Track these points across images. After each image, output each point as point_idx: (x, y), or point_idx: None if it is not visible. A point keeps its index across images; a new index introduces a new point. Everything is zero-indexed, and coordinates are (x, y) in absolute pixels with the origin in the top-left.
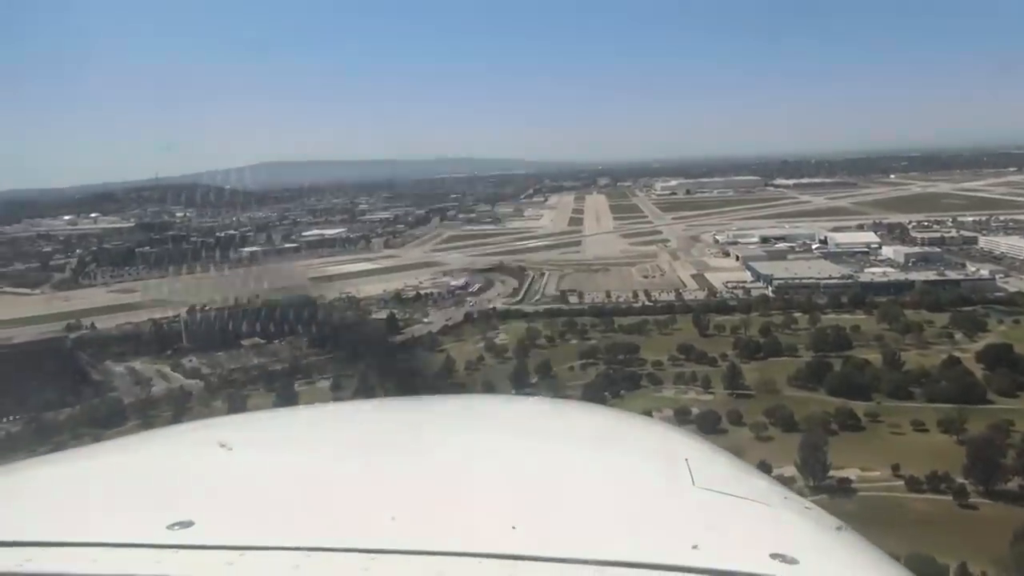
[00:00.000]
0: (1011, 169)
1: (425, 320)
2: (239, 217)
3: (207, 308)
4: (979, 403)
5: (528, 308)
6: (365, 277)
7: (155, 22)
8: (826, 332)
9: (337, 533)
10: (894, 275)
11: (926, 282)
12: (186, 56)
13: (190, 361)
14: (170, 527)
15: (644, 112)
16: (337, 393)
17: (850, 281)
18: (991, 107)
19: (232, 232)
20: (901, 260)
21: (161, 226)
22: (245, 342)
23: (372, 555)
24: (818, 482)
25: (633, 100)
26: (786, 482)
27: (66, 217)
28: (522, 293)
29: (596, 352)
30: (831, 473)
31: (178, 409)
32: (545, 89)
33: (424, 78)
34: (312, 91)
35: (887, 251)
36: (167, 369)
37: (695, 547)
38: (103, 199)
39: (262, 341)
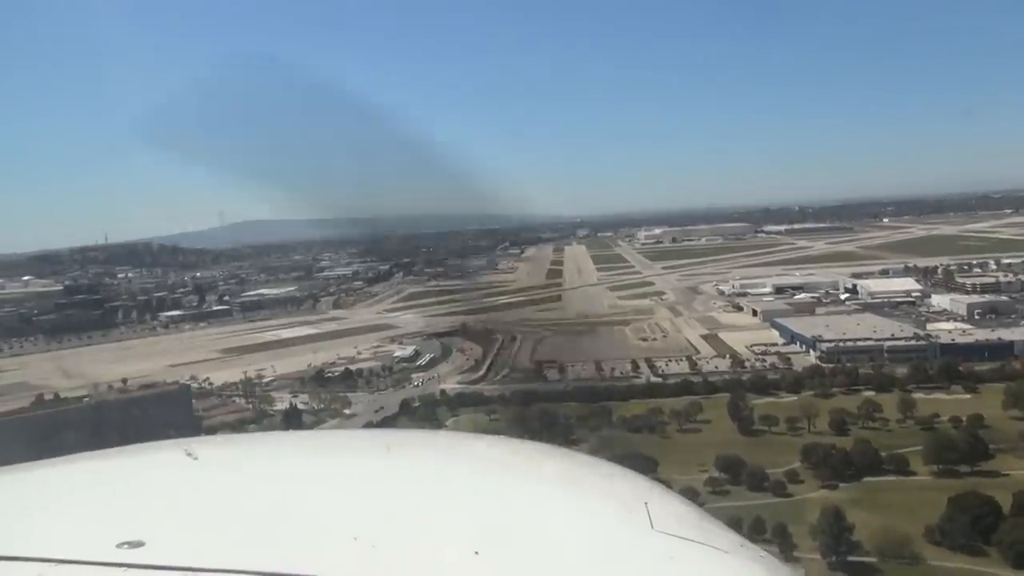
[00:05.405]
0: (1008, 211)
1: (345, 411)
2: (184, 277)
3: (58, 400)
4: None
5: (491, 389)
6: (292, 346)
7: (130, 67)
8: (940, 430)
9: (296, 558)
10: (980, 334)
11: None
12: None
13: None
14: (119, 546)
15: (623, 164)
16: None
17: (923, 343)
18: (963, 154)
19: (161, 294)
20: (963, 311)
21: (88, 289)
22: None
23: None
24: None
25: (611, 153)
26: None
27: None
28: (485, 366)
29: None
30: None
31: None
32: (522, 144)
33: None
34: (289, 149)
35: (938, 300)
36: None
37: None
38: (45, 261)
39: None
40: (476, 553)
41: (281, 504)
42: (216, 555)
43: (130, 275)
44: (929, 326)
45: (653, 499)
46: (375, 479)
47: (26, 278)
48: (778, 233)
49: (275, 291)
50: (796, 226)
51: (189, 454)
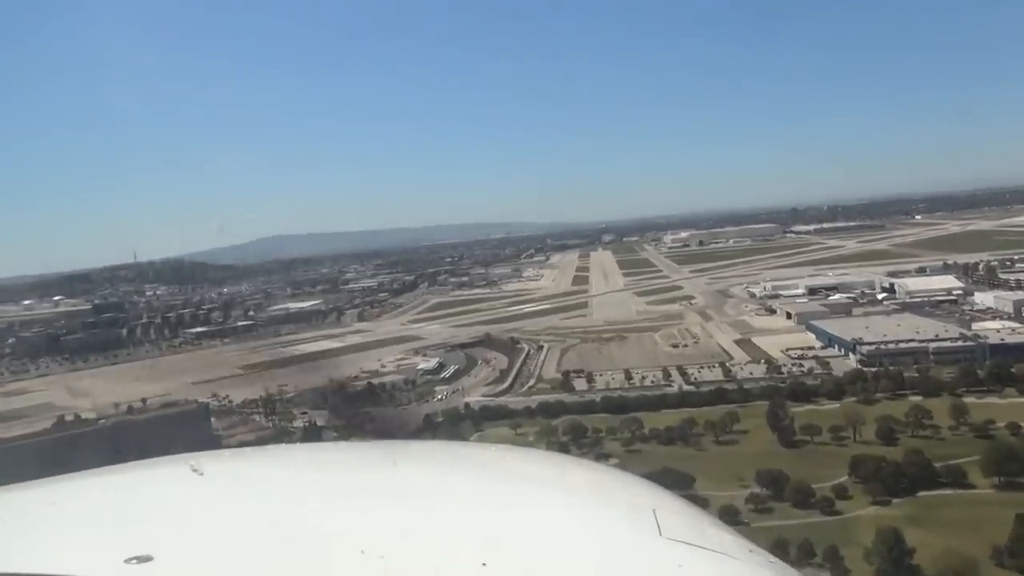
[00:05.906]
0: None
1: (367, 427)
2: (211, 293)
3: (79, 421)
4: None
5: (517, 402)
6: (315, 361)
7: (154, 95)
8: (998, 438)
9: (303, 570)
10: None
11: None
12: (191, 133)
13: None
14: (128, 561)
15: (649, 169)
16: None
17: (971, 344)
18: (996, 149)
19: (188, 311)
20: (1009, 309)
21: (116, 308)
22: None
23: None
24: None
25: (635, 158)
26: None
27: (26, 302)
28: (511, 377)
29: None
30: None
31: None
32: (546, 152)
33: (428, 148)
34: (316, 164)
35: (982, 298)
36: None
37: None
38: (76, 281)
39: None
40: (484, 564)
41: (288, 517)
42: (224, 568)
43: (158, 292)
44: (975, 325)
45: (661, 506)
46: (381, 491)
47: (57, 298)
48: (807, 233)
49: (300, 305)
50: (826, 225)
51: (195, 469)
